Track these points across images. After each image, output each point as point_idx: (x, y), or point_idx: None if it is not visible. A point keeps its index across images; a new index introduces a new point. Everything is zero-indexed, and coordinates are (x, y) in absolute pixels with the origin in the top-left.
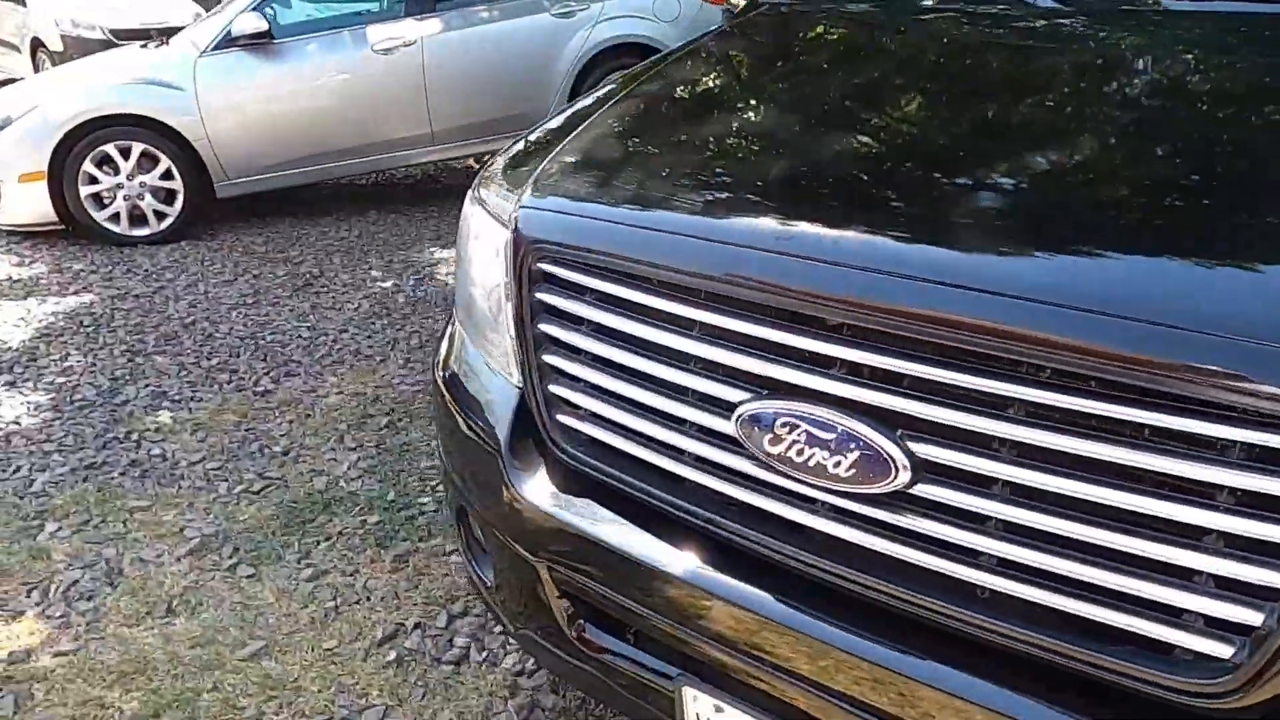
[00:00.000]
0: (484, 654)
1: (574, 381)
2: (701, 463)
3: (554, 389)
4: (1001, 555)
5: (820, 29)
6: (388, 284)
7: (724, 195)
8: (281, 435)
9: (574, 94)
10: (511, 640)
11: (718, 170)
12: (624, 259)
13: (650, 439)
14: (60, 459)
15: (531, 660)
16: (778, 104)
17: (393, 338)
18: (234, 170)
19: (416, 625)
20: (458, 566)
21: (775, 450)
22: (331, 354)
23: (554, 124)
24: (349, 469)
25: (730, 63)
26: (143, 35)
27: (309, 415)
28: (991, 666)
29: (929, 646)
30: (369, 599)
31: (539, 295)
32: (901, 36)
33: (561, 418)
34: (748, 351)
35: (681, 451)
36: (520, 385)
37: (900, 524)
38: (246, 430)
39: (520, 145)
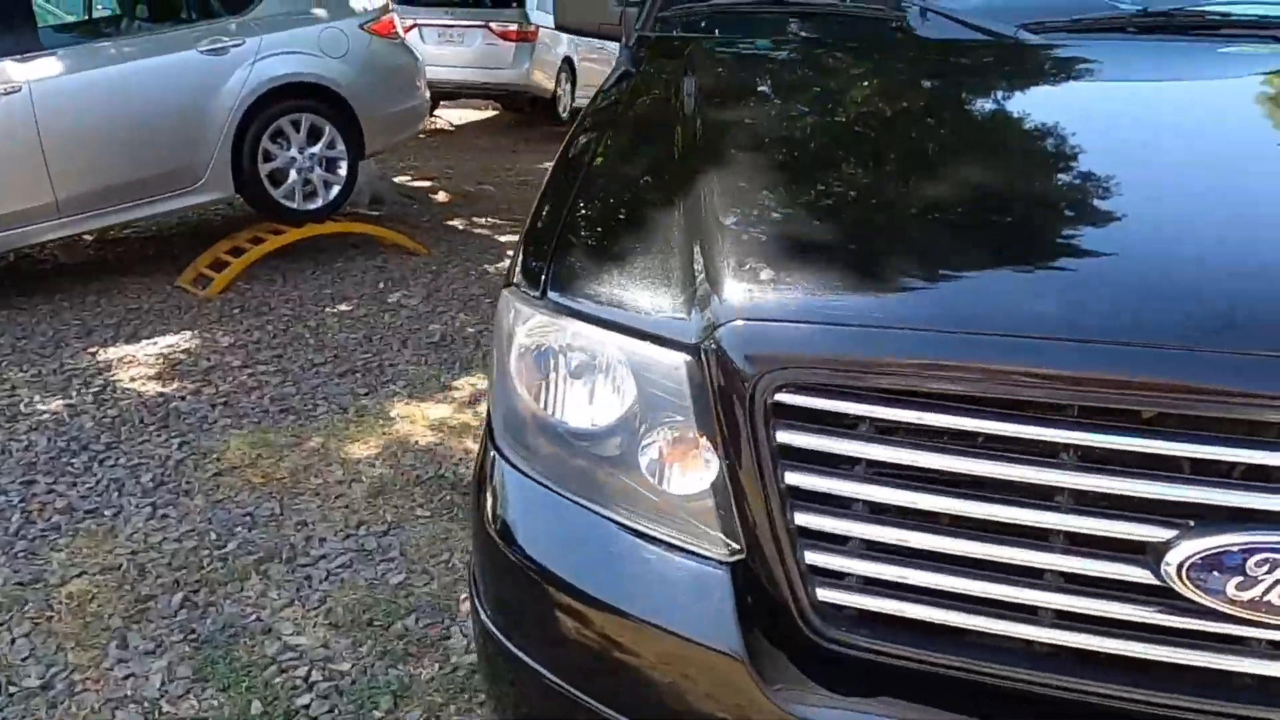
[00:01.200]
0: None
1: (842, 544)
2: (1078, 621)
3: (813, 558)
4: None
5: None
6: (55, 405)
7: (1078, 277)
8: (25, 659)
9: (238, 144)
10: None
11: (1016, 245)
12: (942, 373)
13: (989, 603)
14: None
15: None
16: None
17: (109, 479)
18: None
19: None
20: None
21: (1247, 595)
22: (32, 520)
23: (591, 202)
24: (166, 684)
25: (811, 98)
26: None
27: (51, 617)
28: None
29: None
30: None
31: (783, 437)
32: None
33: (824, 593)
34: (1172, 477)
35: (1033, 611)
36: (736, 560)
37: None
38: None
39: (577, 235)
